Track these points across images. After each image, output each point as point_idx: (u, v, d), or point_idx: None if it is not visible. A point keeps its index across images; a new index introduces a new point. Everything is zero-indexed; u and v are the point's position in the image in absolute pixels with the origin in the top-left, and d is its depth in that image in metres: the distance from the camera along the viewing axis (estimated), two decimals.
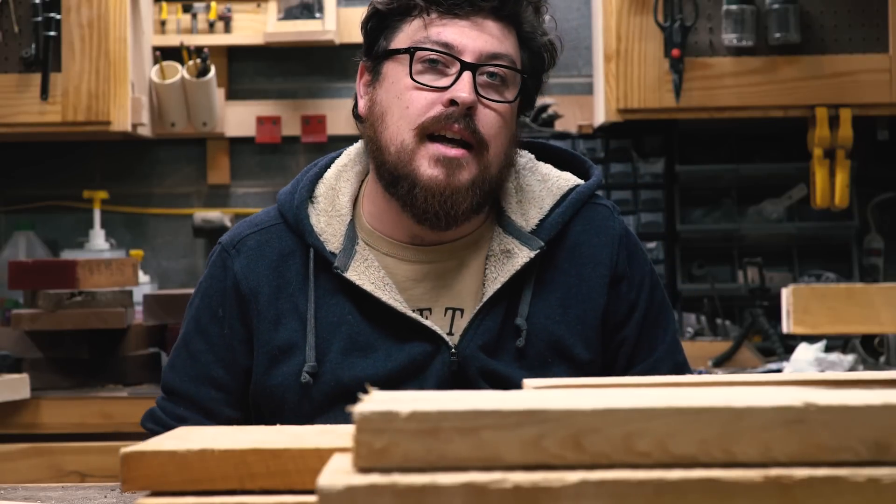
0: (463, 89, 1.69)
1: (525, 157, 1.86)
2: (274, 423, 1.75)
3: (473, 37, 1.72)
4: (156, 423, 1.82)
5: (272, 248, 1.80)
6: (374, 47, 1.78)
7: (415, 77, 1.71)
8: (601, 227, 1.81)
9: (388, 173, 1.73)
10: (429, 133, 1.70)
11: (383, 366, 1.73)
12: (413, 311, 1.75)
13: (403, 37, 1.74)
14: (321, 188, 1.83)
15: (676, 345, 1.87)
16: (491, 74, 1.73)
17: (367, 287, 1.73)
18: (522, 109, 1.82)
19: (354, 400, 1.73)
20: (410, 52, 1.72)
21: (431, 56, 1.72)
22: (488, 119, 1.72)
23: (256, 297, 1.78)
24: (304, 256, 1.78)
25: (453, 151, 1.70)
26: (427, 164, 1.70)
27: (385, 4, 1.76)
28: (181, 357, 1.83)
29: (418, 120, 1.70)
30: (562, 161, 1.91)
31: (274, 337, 1.76)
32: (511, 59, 1.74)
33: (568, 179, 1.84)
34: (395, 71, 1.74)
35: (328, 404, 1.73)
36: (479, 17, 1.73)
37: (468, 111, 1.70)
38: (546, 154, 1.91)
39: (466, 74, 1.71)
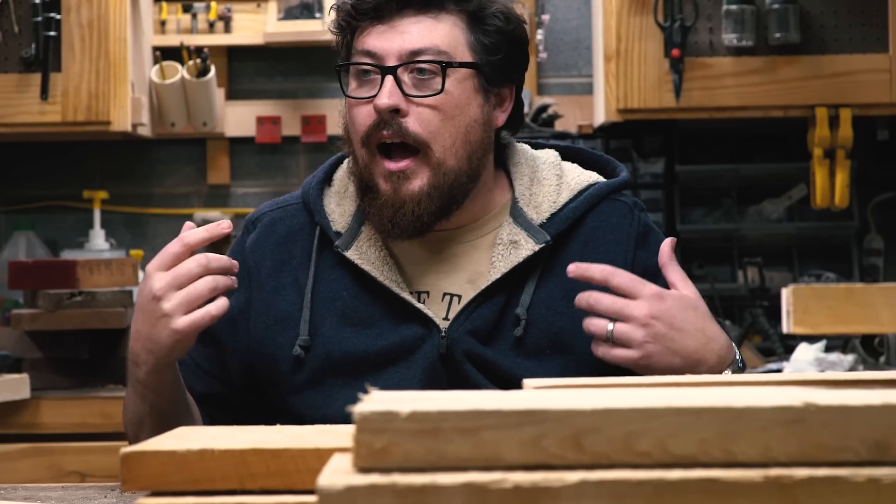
0: (380, 95, 1.71)
1: (549, 154, 1.86)
2: (271, 396, 1.78)
3: (391, 38, 1.73)
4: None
5: (283, 226, 1.85)
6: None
7: (349, 93, 1.75)
8: (617, 224, 1.81)
9: (359, 185, 1.77)
10: (375, 145, 1.72)
11: (373, 344, 1.75)
12: (411, 293, 1.77)
13: (350, 53, 1.78)
14: (339, 173, 1.88)
15: None
16: (419, 70, 1.72)
17: (366, 266, 1.76)
18: (502, 83, 1.79)
19: (343, 374, 1.75)
20: (337, 71, 1.77)
21: (360, 68, 1.74)
22: (423, 117, 1.72)
23: (259, 271, 1.83)
24: (312, 234, 1.83)
25: (396, 165, 1.72)
26: (381, 181, 1.73)
27: (332, 26, 1.80)
28: None
29: (360, 133, 1.73)
30: (590, 163, 1.90)
31: (272, 307, 1.81)
32: (436, 49, 1.72)
33: (589, 177, 1.84)
34: (344, 87, 1.78)
35: (319, 377, 1.77)
36: (399, 16, 1.73)
37: (394, 115, 1.71)
38: (577, 157, 1.91)
39: (387, 79, 1.71)
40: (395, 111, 1.70)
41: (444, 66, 1.72)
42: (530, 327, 1.75)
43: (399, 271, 1.78)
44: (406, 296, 1.75)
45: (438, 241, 1.80)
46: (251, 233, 1.87)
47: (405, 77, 1.72)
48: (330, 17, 1.81)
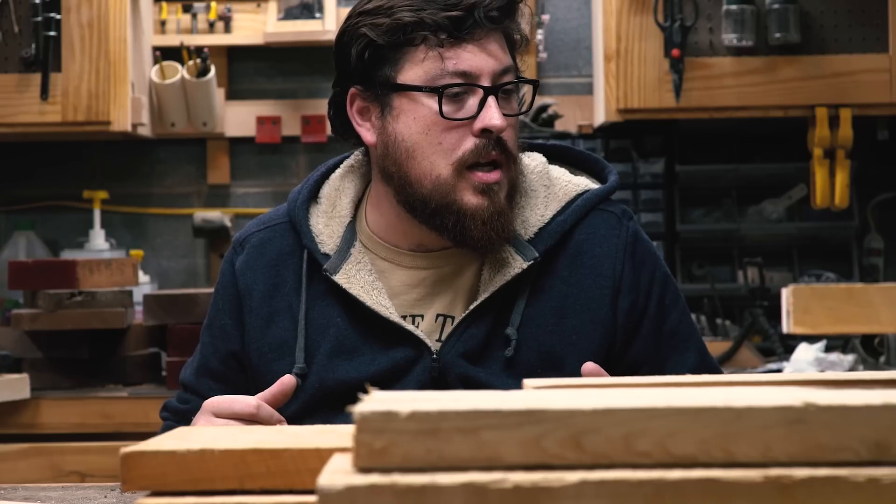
0: (493, 116, 1.69)
1: (536, 161, 1.84)
2: None
3: (483, 58, 1.71)
4: (166, 411, 1.89)
5: (273, 247, 1.82)
6: (374, 78, 1.73)
7: (447, 115, 1.70)
8: (606, 237, 1.79)
9: (424, 205, 1.72)
10: (468, 164, 1.70)
11: (366, 370, 1.73)
12: (404, 317, 1.75)
13: (415, 69, 1.71)
14: (326, 189, 1.84)
15: (704, 352, 1.83)
16: (506, 90, 1.73)
17: (355, 291, 1.74)
18: None
19: (338, 402, 1.74)
20: (439, 91, 1.69)
21: (454, 90, 1.70)
22: (510, 134, 1.73)
23: (250, 295, 1.81)
24: (302, 256, 1.80)
25: (491, 176, 1.70)
26: (470, 194, 1.70)
27: (385, 37, 1.71)
28: (195, 350, 1.89)
29: (454, 155, 1.70)
30: (579, 164, 1.89)
31: (266, 334, 1.79)
32: (512, 66, 1.74)
33: (578, 184, 1.82)
34: (413, 106, 1.71)
35: (313, 405, 1.75)
36: (482, 34, 1.71)
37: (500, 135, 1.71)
38: (565, 157, 1.90)
39: (491, 100, 1.70)
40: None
41: (538, 84, 1.77)
42: (521, 346, 1.73)
43: (390, 294, 1.76)
44: (395, 319, 1.73)
45: (431, 261, 1.78)
46: (239, 254, 1.84)
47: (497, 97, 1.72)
48: (375, 25, 1.72)
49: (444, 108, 1.70)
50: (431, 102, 1.70)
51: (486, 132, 1.69)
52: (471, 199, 1.70)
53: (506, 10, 1.72)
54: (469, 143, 1.69)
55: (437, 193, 1.70)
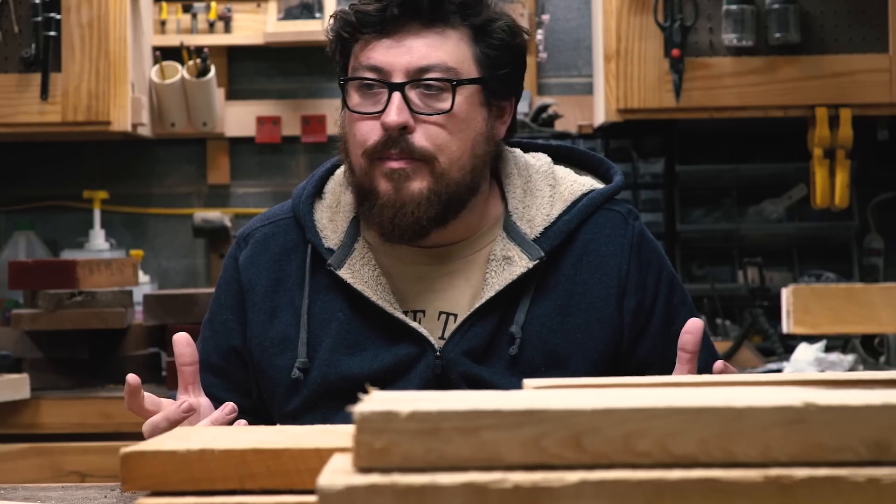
0: (388, 113, 1.69)
1: (541, 161, 1.83)
2: (273, 416, 1.78)
3: (398, 54, 1.70)
4: None
5: (277, 242, 1.83)
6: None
7: (353, 107, 1.73)
8: (611, 236, 1.79)
9: (357, 193, 1.75)
10: (376, 156, 1.71)
11: (369, 365, 1.74)
12: (406, 312, 1.75)
13: (351, 64, 1.76)
14: (330, 185, 1.85)
15: (713, 353, 1.82)
16: (427, 87, 1.70)
17: (359, 286, 1.74)
18: (505, 96, 1.78)
19: (340, 397, 1.74)
20: (341, 83, 1.74)
21: (365, 83, 1.72)
22: (430, 133, 1.70)
23: (253, 289, 1.81)
24: (305, 251, 1.81)
25: (397, 163, 1.70)
26: (381, 181, 1.71)
27: (331, 33, 1.78)
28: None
29: (363, 147, 1.71)
30: (584, 164, 1.88)
31: (268, 329, 1.79)
32: (444, 66, 1.71)
33: (583, 184, 1.82)
34: (346, 99, 1.75)
35: (315, 400, 1.75)
36: (405, 30, 1.71)
37: (402, 132, 1.69)
38: (569, 157, 1.89)
39: (395, 96, 1.69)
40: (403, 128, 1.69)
41: (455, 84, 1.71)
42: (525, 345, 1.73)
43: (393, 290, 1.76)
44: (399, 315, 1.74)
45: (434, 257, 1.78)
46: (243, 249, 1.84)
47: (412, 93, 1.70)
48: (329, 24, 1.78)
49: (355, 101, 1.73)
50: (350, 97, 1.74)
51: (386, 128, 1.70)
52: (381, 184, 1.71)
53: (410, 4, 1.71)
54: (375, 136, 1.71)
55: (361, 181, 1.73)
